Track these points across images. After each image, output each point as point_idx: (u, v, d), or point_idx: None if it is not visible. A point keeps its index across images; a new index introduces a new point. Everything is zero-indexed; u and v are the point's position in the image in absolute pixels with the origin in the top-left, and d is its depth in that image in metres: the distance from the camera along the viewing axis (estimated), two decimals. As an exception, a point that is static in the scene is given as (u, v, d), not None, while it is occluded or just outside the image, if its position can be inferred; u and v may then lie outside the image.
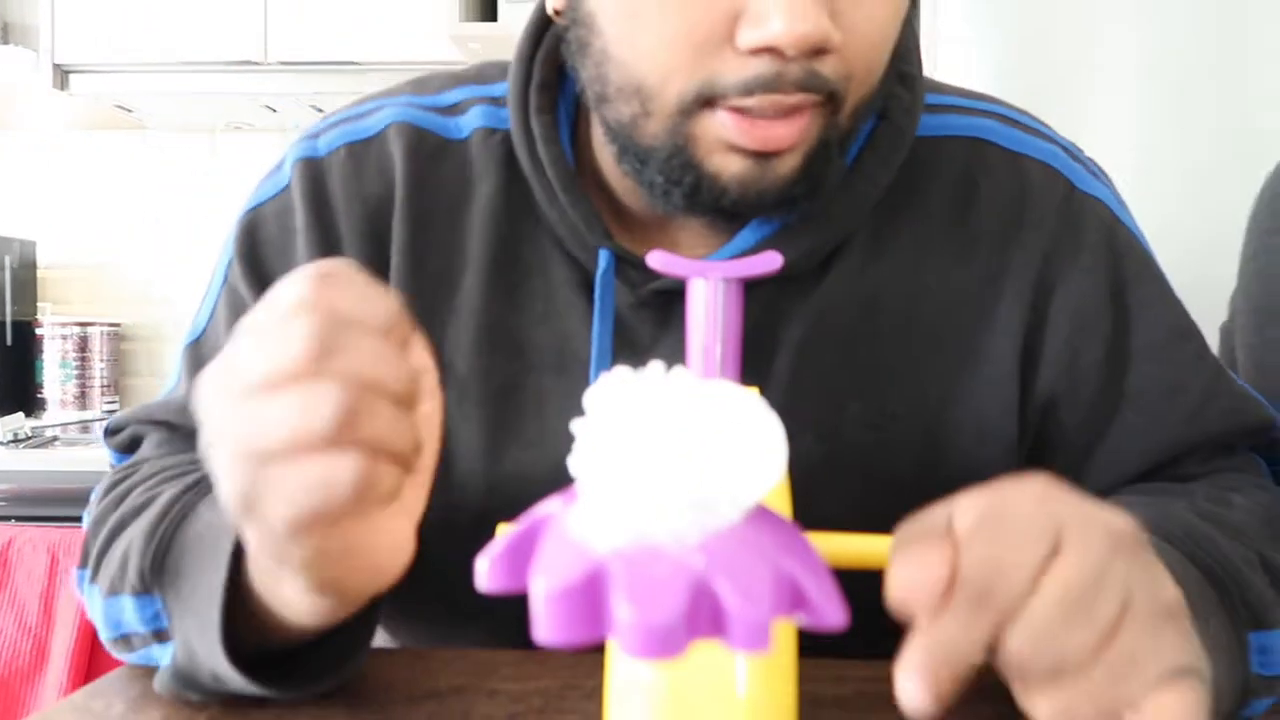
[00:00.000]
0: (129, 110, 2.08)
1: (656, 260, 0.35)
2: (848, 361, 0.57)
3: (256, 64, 1.89)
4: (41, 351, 2.13)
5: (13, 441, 1.68)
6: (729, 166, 0.48)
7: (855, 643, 0.38)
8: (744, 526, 0.29)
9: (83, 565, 0.53)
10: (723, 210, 0.51)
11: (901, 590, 0.32)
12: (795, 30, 0.43)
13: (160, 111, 2.10)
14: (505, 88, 0.60)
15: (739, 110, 0.47)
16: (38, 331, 2.14)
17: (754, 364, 0.49)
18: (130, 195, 2.25)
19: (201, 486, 0.50)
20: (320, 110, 2.02)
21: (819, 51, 0.45)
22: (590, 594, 0.28)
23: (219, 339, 0.61)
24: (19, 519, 1.61)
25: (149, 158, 2.24)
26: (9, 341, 2.08)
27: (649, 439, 0.28)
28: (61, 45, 1.91)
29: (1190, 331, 0.60)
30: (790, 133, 0.47)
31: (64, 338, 2.13)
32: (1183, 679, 0.32)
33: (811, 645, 0.37)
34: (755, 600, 0.27)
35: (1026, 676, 0.33)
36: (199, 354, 0.62)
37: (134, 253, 2.24)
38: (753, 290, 0.54)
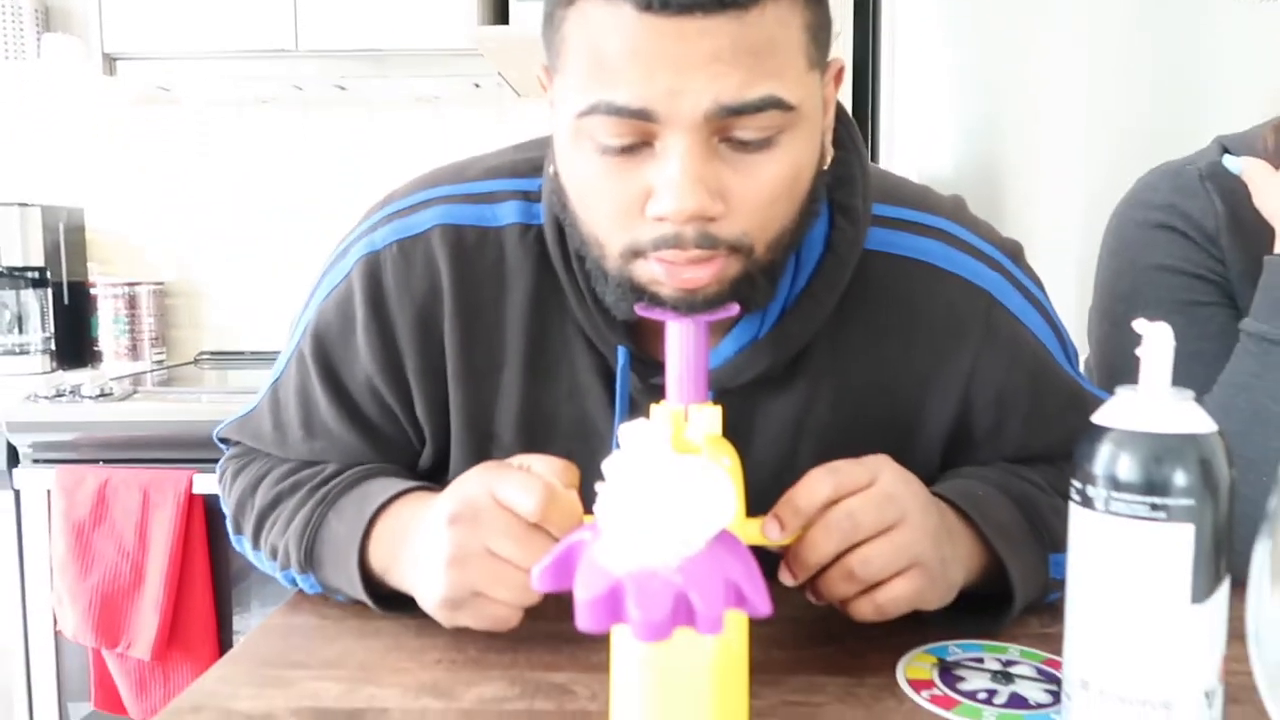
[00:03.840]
0: (167, 89, 2.27)
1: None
2: (811, 447, 0.73)
3: (288, 51, 2.09)
4: (96, 309, 2.30)
5: (100, 396, 1.87)
6: (664, 293, 0.61)
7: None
8: (706, 551, 0.42)
9: (238, 533, 0.78)
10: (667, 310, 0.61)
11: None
12: (681, 206, 0.57)
13: (196, 91, 2.30)
14: (538, 183, 0.73)
15: (661, 260, 0.59)
16: (92, 291, 2.31)
17: (739, 449, 0.58)
18: (167, 164, 2.42)
19: (327, 499, 0.72)
20: (344, 89, 2.23)
21: (708, 219, 0.58)
22: (612, 600, 0.41)
23: (289, 388, 0.78)
24: (107, 461, 1.80)
25: (184, 130, 2.42)
26: (66, 301, 2.26)
27: (646, 498, 0.41)
28: (110, 36, 2.10)
29: (1080, 397, 0.74)
30: (704, 275, 0.59)
31: (116, 296, 2.28)
32: (912, 568, 0.57)
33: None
34: (712, 603, 0.40)
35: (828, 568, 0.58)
36: (276, 395, 0.80)
37: (172, 216, 2.43)
38: (734, 393, 0.69)
